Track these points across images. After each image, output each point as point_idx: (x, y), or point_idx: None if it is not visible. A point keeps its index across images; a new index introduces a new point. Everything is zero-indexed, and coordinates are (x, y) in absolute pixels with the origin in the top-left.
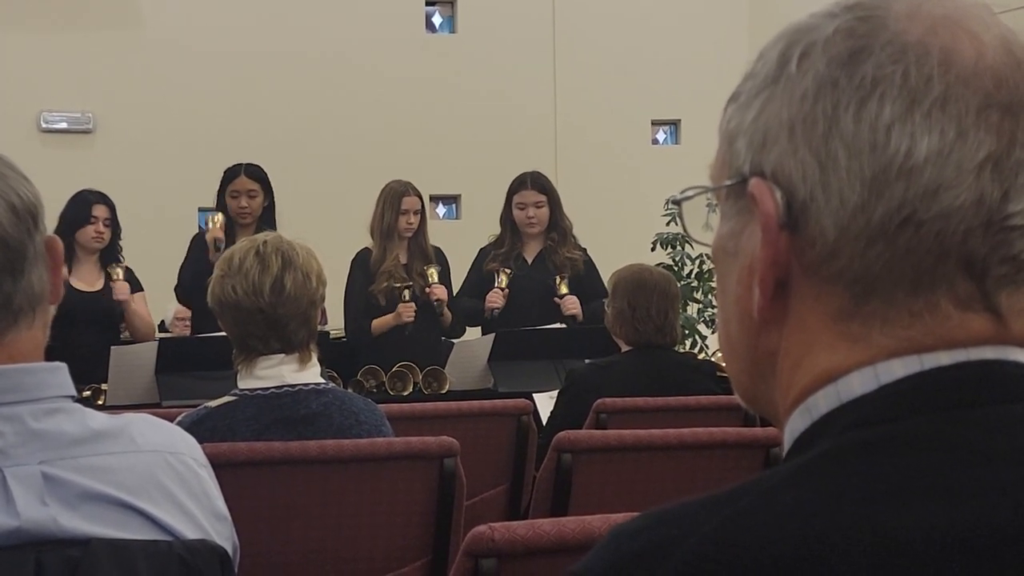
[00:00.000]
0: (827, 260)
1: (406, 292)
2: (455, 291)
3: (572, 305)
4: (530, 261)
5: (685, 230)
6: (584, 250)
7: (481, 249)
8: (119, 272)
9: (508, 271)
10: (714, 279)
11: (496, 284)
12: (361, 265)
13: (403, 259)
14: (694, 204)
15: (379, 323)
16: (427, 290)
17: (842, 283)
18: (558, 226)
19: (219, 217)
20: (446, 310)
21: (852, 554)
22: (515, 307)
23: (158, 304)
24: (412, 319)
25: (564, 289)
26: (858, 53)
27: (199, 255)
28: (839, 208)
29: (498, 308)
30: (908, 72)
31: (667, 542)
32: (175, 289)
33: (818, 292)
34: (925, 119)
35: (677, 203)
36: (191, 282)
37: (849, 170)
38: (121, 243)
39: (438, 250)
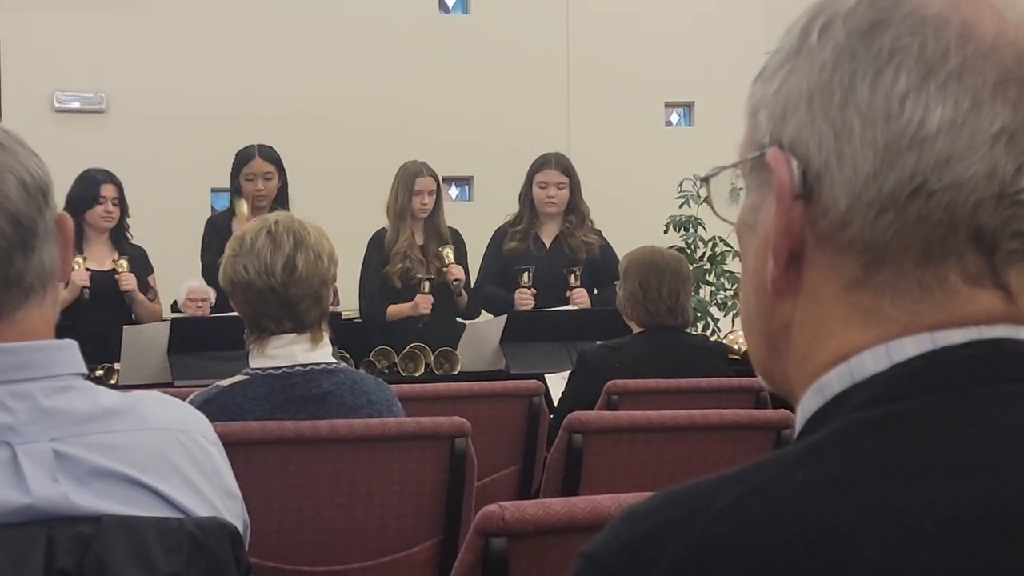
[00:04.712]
0: (839, 229)
1: (427, 284)
2: (473, 275)
3: (580, 300)
4: (547, 244)
5: (714, 209)
6: (600, 233)
7: (497, 229)
8: (124, 264)
9: (530, 269)
10: (726, 262)
11: (521, 283)
12: (377, 245)
13: (419, 240)
14: (720, 182)
15: (395, 310)
16: (444, 270)
17: (853, 252)
18: (576, 209)
19: (244, 207)
20: (463, 290)
21: (864, 532)
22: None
23: (170, 285)
24: (428, 312)
25: (574, 282)
26: (878, 24)
27: (217, 239)
28: (852, 177)
29: (529, 308)
30: (925, 44)
31: (679, 521)
32: (203, 275)
33: (830, 261)
34: (940, 90)
35: (705, 180)
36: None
37: (863, 139)
38: (129, 220)
39: (454, 231)
